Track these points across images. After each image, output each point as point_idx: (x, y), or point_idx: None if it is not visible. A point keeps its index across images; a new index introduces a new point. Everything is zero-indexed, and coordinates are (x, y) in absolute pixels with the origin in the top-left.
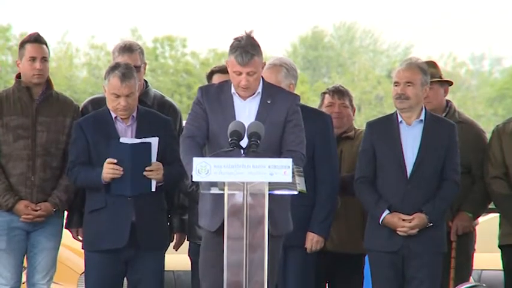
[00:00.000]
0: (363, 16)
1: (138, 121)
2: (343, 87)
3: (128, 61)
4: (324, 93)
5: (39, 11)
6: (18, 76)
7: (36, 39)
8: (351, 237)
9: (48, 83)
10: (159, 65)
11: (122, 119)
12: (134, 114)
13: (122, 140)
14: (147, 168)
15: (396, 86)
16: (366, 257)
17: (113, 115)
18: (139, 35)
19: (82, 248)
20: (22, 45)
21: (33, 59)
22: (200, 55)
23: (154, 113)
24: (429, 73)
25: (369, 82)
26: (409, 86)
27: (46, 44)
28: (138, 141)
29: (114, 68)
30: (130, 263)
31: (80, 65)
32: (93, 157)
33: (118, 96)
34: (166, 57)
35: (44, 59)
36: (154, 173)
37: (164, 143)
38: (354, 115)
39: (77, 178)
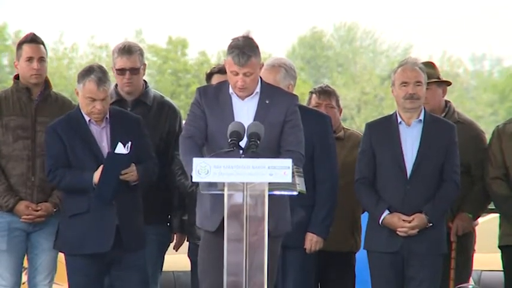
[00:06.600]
0: (364, 16)
1: (111, 122)
2: (329, 87)
3: (127, 63)
4: (311, 92)
5: (36, 10)
6: (17, 77)
7: (32, 40)
8: (341, 235)
9: (46, 83)
10: (168, 66)
11: (95, 121)
12: (107, 116)
13: (117, 150)
14: (122, 172)
15: (405, 86)
16: (357, 255)
17: (87, 118)
18: (142, 38)
19: (60, 251)
20: (19, 46)
21: (30, 59)
22: (203, 55)
23: (125, 113)
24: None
25: (369, 82)
26: (418, 85)
27: (43, 44)
28: (125, 151)
29: (89, 71)
30: (113, 263)
31: (80, 65)
32: (72, 160)
33: (94, 100)
34: (169, 58)
35: (42, 59)
36: (129, 175)
37: (137, 141)
38: (340, 115)
39: (61, 180)
